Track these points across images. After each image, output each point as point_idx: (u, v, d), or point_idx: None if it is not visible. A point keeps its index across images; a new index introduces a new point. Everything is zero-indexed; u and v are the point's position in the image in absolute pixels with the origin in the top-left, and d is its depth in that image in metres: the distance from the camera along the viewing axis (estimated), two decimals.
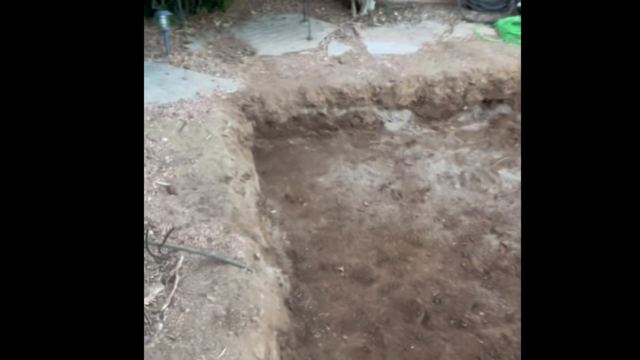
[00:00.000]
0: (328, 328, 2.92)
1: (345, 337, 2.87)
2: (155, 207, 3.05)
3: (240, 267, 2.63)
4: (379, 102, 4.88)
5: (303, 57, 5.22)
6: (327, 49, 5.42)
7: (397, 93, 4.83)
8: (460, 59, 5.08)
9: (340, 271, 3.33)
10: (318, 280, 3.26)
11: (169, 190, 3.21)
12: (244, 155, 4.01)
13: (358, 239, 3.61)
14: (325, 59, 5.22)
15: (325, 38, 5.69)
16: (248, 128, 4.44)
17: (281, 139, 4.73)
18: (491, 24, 5.89)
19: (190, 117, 4.04)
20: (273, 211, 3.86)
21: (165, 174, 3.37)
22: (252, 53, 5.31)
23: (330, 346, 2.80)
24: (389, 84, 4.81)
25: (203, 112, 4.12)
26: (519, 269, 3.28)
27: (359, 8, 6.34)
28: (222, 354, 2.15)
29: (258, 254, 2.85)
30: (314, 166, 4.42)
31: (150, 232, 2.82)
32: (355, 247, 3.53)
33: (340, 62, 5.16)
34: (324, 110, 4.76)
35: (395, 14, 6.35)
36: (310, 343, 2.81)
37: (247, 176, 3.73)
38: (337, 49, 5.42)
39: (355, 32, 5.87)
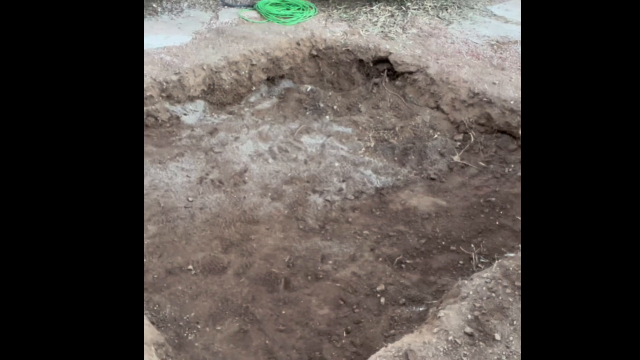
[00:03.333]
0: (199, 326, 2.83)
1: (218, 327, 2.83)
2: None
3: None
4: (169, 97, 4.73)
5: None
6: None
7: (186, 85, 4.76)
8: (237, 43, 5.27)
9: (190, 270, 3.22)
10: (170, 286, 3.10)
11: None
12: None
13: (196, 234, 3.52)
14: None
15: None
16: None
17: None
18: (251, 6, 6.22)
19: None
20: None
21: None
22: None
23: (208, 341, 2.74)
24: (174, 77, 4.69)
25: None
26: (347, 216, 3.71)
27: None
28: None
29: None
30: None
31: None
32: (196, 242, 3.45)
33: None
34: None
35: (154, 5, 6.13)
36: (187, 346, 2.69)
37: None
38: None
39: None
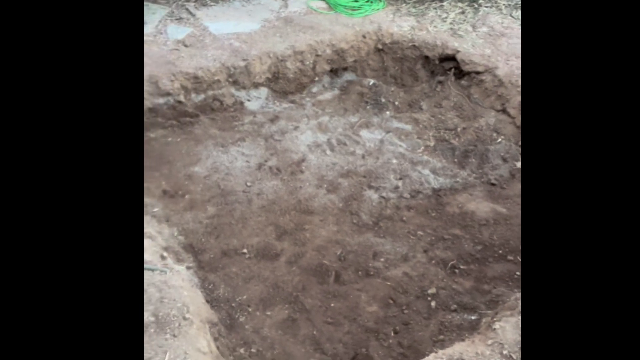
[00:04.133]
0: (250, 309, 2.91)
1: (268, 313, 2.90)
2: None
3: (153, 269, 2.45)
4: (235, 83, 4.83)
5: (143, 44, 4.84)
6: (166, 33, 5.12)
7: (252, 71, 4.84)
8: (303, 33, 5.29)
9: (244, 253, 3.31)
10: (225, 267, 3.20)
11: None
12: None
13: (252, 219, 3.61)
14: (168, 43, 4.94)
15: (160, 21, 5.35)
16: None
17: None
18: None
19: None
20: (154, 209, 3.61)
21: None
22: None
23: (257, 325, 2.81)
24: (242, 63, 4.79)
25: None
26: (401, 215, 3.68)
27: None
28: (166, 358, 2.02)
29: (164, 254, 2.68)
30: (184, 156, 4.23)
31: None
32: (252, 227, 3.54)
33: (185, 46, 4.93)
34: (181, 97, 4.54)
35: None
36: (238, 327, 2.78)
37: None
38: (178, 32, 5.16)
39: (190, 12, 5.64)
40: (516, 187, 4.00)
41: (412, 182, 4.04)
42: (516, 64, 4.82)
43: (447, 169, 4.22)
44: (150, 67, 4.47)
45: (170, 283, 2.40)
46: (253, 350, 2.65)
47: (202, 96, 4.65)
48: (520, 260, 3.24)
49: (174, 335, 2.13)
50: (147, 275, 2.40)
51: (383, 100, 5.16)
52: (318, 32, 5.31)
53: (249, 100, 4.93)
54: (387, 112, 5.03)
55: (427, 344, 2.66)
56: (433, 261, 3.27)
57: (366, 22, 5.55)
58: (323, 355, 2.64)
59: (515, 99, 4.60)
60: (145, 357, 2.01)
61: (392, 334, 2.76)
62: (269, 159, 4.25)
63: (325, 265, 3.22)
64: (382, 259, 3.29)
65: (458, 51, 5.05)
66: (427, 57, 5.25)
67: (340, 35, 5.30)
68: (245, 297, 2.99)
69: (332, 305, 2.96)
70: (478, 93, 4.89)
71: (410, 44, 5.29)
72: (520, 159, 4.23)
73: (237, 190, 3.87)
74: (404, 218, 3.66)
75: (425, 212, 3.74)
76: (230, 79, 4.76)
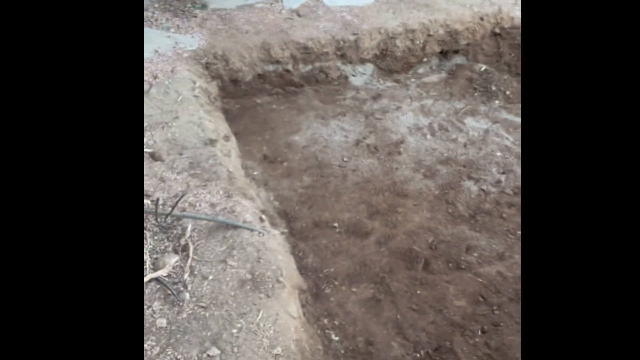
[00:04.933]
0: (336, 282, 2.95)
1: (354, 289, 2.92)
2: (144, 176, 2.83)
3: (252, 230, 2.55)
4: (342, 57, 4.81)
5: (260, 10, 4.97)
6: (282, 1, 5.20)
7: (361, 46, 4.79)
8: (417, 10, 5.12)
9: (335, 227, 3.34)
10: (315, 237, 3.25)
11: (154, 157, 2.98)
12: (217, 117, 3.82)
13: (345, 194, 3.62)
14: (283, 12, 5.01)
15: None
16: (214, 88, 4.21)
17: (247, 98, 4.54)
18: None
19: (155, 77, 3.74)
20: (254, 173, 3.74)
21: (144, 140, 3.12)
22: (204, 6, 4.96)
23: (342, 299, 2.84)
24: (352, 37, 4.74)
25: (168, 72, 3.83)
26: (501, 211, 3.49)
27: None
28: (259, 316, 2.11)
29: (263, 216, 2.78)
30: (286, 125, 4.32)
31: (147, 201, 2.63)
32: (344, 202, 3.55)
33: (299, 15, 4.98)
34: (290, 67, 4.62)
35: None
36: (323, 298, 2.83)
37: (227, 138, 3.56)
38: (293, 1, 5.21)
39: None
40: None
41: (516, 178, 3.81)
42: None
43: None
44: (264, 35, 4.58)
45: (267, 245, 2.49)
46: (336, 322, 2.69)
47: (309, 67, 4.69)
48: None
49: (268, 296, 2.21)
50: (247, 235, 2.50)
51: (493, 88, 4.87)
52: (433, 11, 5.10)
53: (353, 75, 4.90)
54: (497, 102, 4.75)
55: (517, 350, 2.52)
56: None
57: (486, 3, 5.23)
58: (404, 341, 2.61)
59: None
60: (240, 312, 2.12)
61: (480, 333, 2.65)
62: (367, 136, 4.22)
63: (415, 251, 3.16)
64: (475, 254, 3.16)
65: None
66: None
67: (456, 15, 5.05)
68: (332, 270, 3.03)
69: (419, 292, 2.91)
70: None
71: None
72: None
73: (333, 164, 3.90)
74: (504, 215, 3.47)
75: None
76: (338, 52, 4.75)
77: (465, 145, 4.18)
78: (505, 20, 5.14)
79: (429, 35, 4.99)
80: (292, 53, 4.54)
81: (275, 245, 2.55)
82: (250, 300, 2.18)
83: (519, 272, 3.01)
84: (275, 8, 5.03)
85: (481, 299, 2.85)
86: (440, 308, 2.80)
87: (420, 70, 5.14)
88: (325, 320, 2.68)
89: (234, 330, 2.05)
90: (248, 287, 2.24)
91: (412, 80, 5.05)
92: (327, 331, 2.62)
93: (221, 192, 2.78)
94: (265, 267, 2.36)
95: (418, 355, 2.54)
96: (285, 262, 2.52)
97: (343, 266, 3.06)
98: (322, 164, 3.89)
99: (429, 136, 4.28)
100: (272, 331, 2.07)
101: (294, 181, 3.71)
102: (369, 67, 4.95)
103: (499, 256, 3.14)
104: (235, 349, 1.98)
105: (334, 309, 2.78)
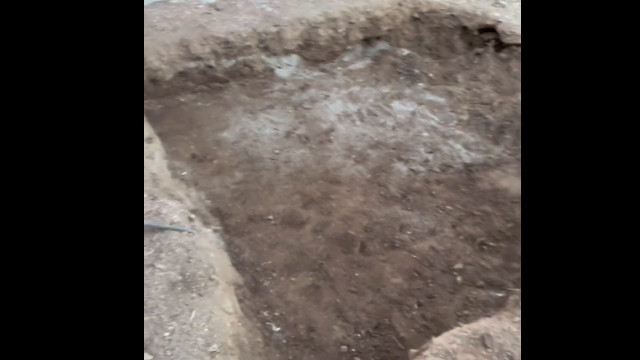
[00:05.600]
0: (274, 274, 2.93)
1: (293, 279, 2.91)
2: None
3: (181, 230, 2.47)
4: (266, 49, 4.77)
5: (176, 6, 4.82)
6: None
7: (284, 38, 4.76)
8: None
9: (270, 220, 3.31)
10: (250, 232, 3.21)
11: None
12: None
13: (279, 186, 3.60)
14: (200, 6, 4.89)
15: None
16: None
17: (170, 97, 4.40)
18: None
19: None
20: (183, 173, 3.63)
21: None
22: None
23: (282, 290, 2.83)
24: (274, 29, 4.71)
25: None
26: (430, 189, 3.61)
27: None
28: (192, 316, 2.05)
29: (192, 216, 2.70)
30: (213, 121, 4.23)
31: None
32: (278, 194, 3.53)
33: (217, 10, 4.88)
34: (212, 62, 4.52)
35: None
36: (262, 291, 2.80)
37: (149, 140, 3.43)
38: None
39: None
40: None
41: (443, 156, 3.95)
42: None
43: (481, 144, 4.10)
44: (182, 31, 4.45)
45: (197, 244, 2.42)
46: (276, 313, 2.67)
47: (232, 61, 4.61)
48: None
49: (200, 295, 2.16)
50: (175, 236, 2.42)
51: (417, 71, 5.01)
52: None
53: (279, 67, 4.87)
54: (421, 84, 4.89)
55: (451, 318, 2.62)
56: (461, 237, 3.20)
57: None
58: (345, 323, 2.64)
59: None
60: (171, 314, 2.05)
61: (416, 306, 2.73)
62: (297, 127, 4.21)
63: (350, 235, 3.20)
64: (408, 232, 3.24)
65: (499, 22, 4.84)
66: (465, 28, 5.05)
67: (375, 2, 5.14)
68: (270, 262, 3.00)
69: (356, 274, 2.95)
70: (518, 67, 4.69)
71: (448, 14, 5.09)
72: None
73: (264, 157, 3.86)
74: (433, 192, 3.58)
75: (455, 187, 3.65)
76: (261, 45, 4.70)
77: (393, 128, 4.28)
78: (423, 4, 5.29)
79: (351, 23, 5.05)
80: (213, 48, 4.44)
81: (206, 244, 2.48)
82: (182, 301, 2.11)
83: (449, 244, 3.13)
84: (192, 3, 4.90)
85: (416, 274, 2.93)
86: (378, 287, 2.86)
87: (346, 58, 5.20)
88: (265, 313, 2.66)
89: (166, 334, 1.98)
90: (179, 288, 2.17)
91: (339, 68, 5.09)
92: (267, 323, 2.59)
93: (146, 195, 2.68)
94: (197, 266, 2.29)
95: (359, 335, 2.58)
96: (218, 259, 2.46)
97: (281, 257, 3.05)
98: (253, 159, 3.84)
99: (358, 122, 4.34)
100: (206, 329, 2.02)
101: (226, 178, 3.64)
102: (294, 58, 4.94)
103: (431, 232, 3.24)
104: (169, 352, 1.92)
105: (274, 300, 2.76)
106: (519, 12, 4.94)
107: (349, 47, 5.16)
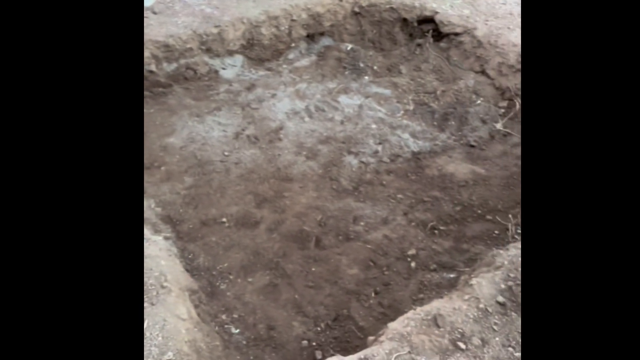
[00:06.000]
0: (231, 277, 2.90)
1: (250, 279, 2.90)
2: None
3: None
4: (208, 51, 4.70)
5: None
6: None
7: (225, 38, 4.71)
8: None
9: (224, 222, 3.28)
10: (204, 237, 3.17)
11: None
12: None
13: (230, 188, 3.56)
14: None
15: None
16: None
17: None
18: None
19: None
20: None
21: None
22: None
23: (239, 292, 2.81)
24: (215, 30, 4.65)
25: None
26: (381, 179, 3.67)
27: None
28: (145, 325, 2.00)
29: None
30: (159, 127, 4.13)
31: None
32: (230, 196, 3.50)
33: (154, 13, 4.76)
34: (153, 67, 4.41)
35: None
36: (219, 295, 2.77)
37: None
38: None
39: None
40: (495, 148, 4.01)
41: (391, 146, 4.02)
42: (495, 24, 4.77)
43: (427, 132, 4.20)
44: None
45: (147, 252, 2.36)
46: (235, 315, 2.65)
47: (174, 65, 4.52)
48: (499, 219, 3.27)
49: (152, 304, 2.11)
50: None
51: (361, 65, 5.08)
52: None
53: (223, 69, 4.81)
54: (366, 77, 4.96)
55: (407, 302, 2.69)
56: (413, 223, 3.28)
57: None
58: (305, 318, 2.65)
59: (494, 60, 4.56)
60: None
61: (373, 295, 2.78)
62: (246, 127, 4.18)
63: (305, 231, 3.21)
64: (362, 223, 3.29)
65: (436, 12, 4.97)
66: (405, 20, 5.16)
67: None
68: (225, 265, 2.97)
69: (313, 269, 2.97)
70: (457, 55, 4.84)
71: (387, 6, 5.19)
72: (499, 120, 4.23)
73: (214, 160, 3.81)
74: (384, 182, 3.65)
75: (405, 175, 3.73)
76: (203, 47, 4.63)
77: (342, 123, 4.32)
78: None
79: (293, 20, 5.05)
80: (152, 53, 4.33)
81: (156, 252, 2.43)
82: None
83: (402, 232, 3.20)
84: None
85: (371, 264, 2.98)
86: (335, 280, 2.89)
87: (291, 56, 5.19)
88: (223, 316, 2.63)
89: None
90: None
91: (284, 66, 5.09)
92: (226, 326, 2.57)
93: None
94: (147, 275, 2.24)
95: (319, 328, 2.60)
96: (170, 267, 2.41)
97: (236, 259, 3.02)
98: (202, 162, 3.78)
99: (307, 119, 4.36)
100: (160, 338, 1.98)
101: (175, 184, 3.57)
102: (239, 59, 4.90)
103: (383, 221, 3.30)
104: None
105: (232, 302, 2.73)
106: (455, 2, 5.10)
107: (293, 45, 5.16)
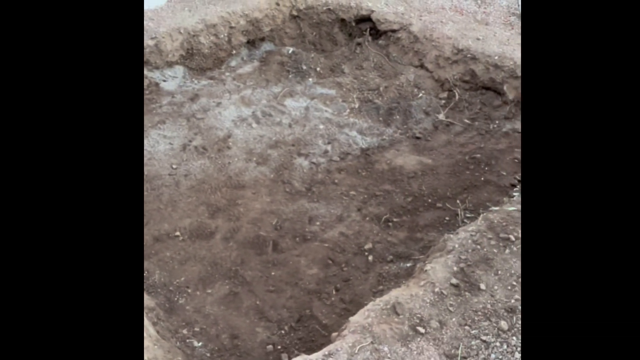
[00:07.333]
0: (189, 290, 2.85)
1: (209, 291, 2.85)
2: None
3: None
4: (147, 63, 4.60)
5: None
6: None
7: (163, 50, 4.62)
8: (214, 5, 5.10)
9: (178, 236, 3.21)
10: (158, 252, 3.09)
11: None
12: None
13: (181, 201, 3.50)
14: None
15: None
16: None
17: None
18: None
19: None
20: None
21: None
22: None
23: (199, 304, 2.76)
24: (151, 42, 4.55)
25: None
26: (333, 178, 3.71)
27: None
28: None
29: None
30: None
31: None
32: (182, 209, 3.43)
33: None
34: None
35: None
36: (178, 310, 2.71)
37: None
38: None
39: None
40: (440, 138, 4.14)
41: (340, 145, 4.08)
42: (429, 18, 4.93)
43: (374, 128, 4.29)
44: None
45: None
46: (196, 329, 2.60)
47: None
48: (448, 206, 3.38)
49: None
50: None
51: (304, 67, 5.11)
52: (229, 3, 5.13)
53: (164, 81, 4.72)
54: (310, 79, 5.00)
55: (368, 295, 2.73)
56: (367, 218, 3.34)
57: None
58: (268, 323, 2.64)
59: (431, 54, 4.72)
60: None
61: (334, 292, 2.80)
62: (193, 138, 4.12)
63: (262, 236, 3.20)
64: (317, 223, 3.31)
65: (372, 11, 5.08)
66: (343, 20, 5.24)
67: (252, 4, 5.15)
68: (182, 279, 2.91)
69: (273, 273, 2.96)
70: (396, 51, 4.96)
71: (325, 8, 5.25)
72: (441, 111, 4.38)
73: (162, 174, 3.73)
74: (336, 180, 3.69)
75: (356, 172, 3.79)
76: None
77: (290, 126, 4.33)
78: (299, 1, 5.39)
79: (232, 28, 5.02)
80: None
81: None
82: None
83: (357, 228, 3.25)
84: None
85: (330, 262, 3.01)
86: (295, 282, 2.89)
87: (233, 63, 5.16)
88: (184, 331, 2.58)
89: None
90: None
91: (227, 74, 5.05)
92: (188, 340, 2.52)
93: None
94: None
95: (283, 331, 2.59)
96: None
97: (194, 272, 2.97)
98: (150, 177, 3.69)
99: (254, 125, 4.34)
100: None
101: None
102: (179, 69, 4.82)
103: (338, 218, 3.34)
104: None
105: (192, 316, 2.68)
106: (390, 0, 5.23)
107: (234, 52, 5.13)
